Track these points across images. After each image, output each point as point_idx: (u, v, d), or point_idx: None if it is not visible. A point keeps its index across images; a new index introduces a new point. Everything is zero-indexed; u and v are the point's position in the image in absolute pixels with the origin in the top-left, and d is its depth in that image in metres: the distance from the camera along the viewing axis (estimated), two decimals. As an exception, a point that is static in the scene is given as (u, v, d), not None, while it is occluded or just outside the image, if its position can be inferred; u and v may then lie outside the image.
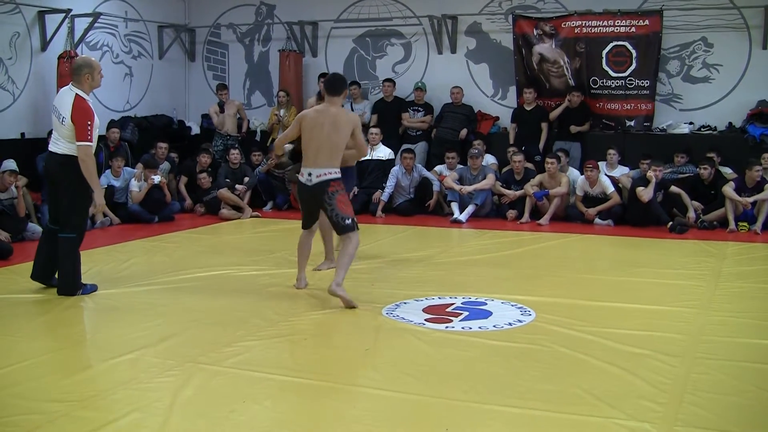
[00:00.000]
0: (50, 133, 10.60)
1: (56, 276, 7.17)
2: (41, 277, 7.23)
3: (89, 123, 6.77)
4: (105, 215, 10.95)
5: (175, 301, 6.93)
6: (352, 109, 13.80)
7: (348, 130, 6.94)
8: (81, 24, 12.87)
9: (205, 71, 15.68)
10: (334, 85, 7.03)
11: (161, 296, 7.09)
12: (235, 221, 11.79)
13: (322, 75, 13.72)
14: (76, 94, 6.83)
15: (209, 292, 7.24)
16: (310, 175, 6.84)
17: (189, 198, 12.64)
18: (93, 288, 7.16)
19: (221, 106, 13.93)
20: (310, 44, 14.77)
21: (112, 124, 12.95)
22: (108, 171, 11.61)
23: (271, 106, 14.60)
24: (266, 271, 8.12)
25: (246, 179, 12.47)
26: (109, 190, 11.31)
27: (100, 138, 12.35)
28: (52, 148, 7.02)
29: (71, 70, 7.07)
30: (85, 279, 7.28)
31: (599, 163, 11.69)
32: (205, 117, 14.89)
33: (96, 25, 13.12)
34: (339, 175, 6.86)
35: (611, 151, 12.09)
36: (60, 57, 12.12)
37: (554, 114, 12.76)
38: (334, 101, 7.00)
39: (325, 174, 6.80)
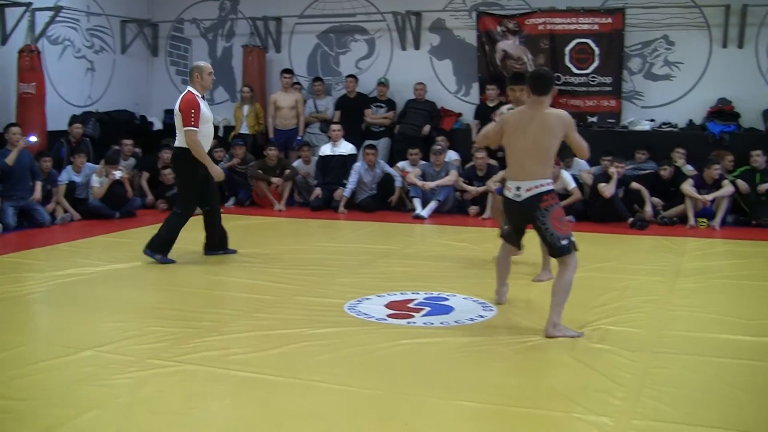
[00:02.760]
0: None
1: (226, 245, 8.59)
2: (216, 248, 8.57)
3: (193, 111, 7.85)
4: (66, 211, 10.89)
5: (136, 297, 6.90)
6: (315, 106, 13.81)
7: (560, 132, 5.93)
8: (42, 18, 12.67)
9: (168, 66, 15.57)
10: (537, 83, 6.01)
11: (122, 292, 7.04)
12: (197, 216, 11.67)
13: (285, 71, 13.71)
14: (188, 89, 8.02)
15: (171, 288, 7.21)
16: (518, 189, 5.93)
17: (151, 194, 12.54)
18: (170, 261, 8.12)
19: None
20: (273, 40, 14.71)
21: (74, 119, 12.80)
22: (69, 167, 11.46)
23: (234, 102, 14.53)
24: (228, 267, 8.10)
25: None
26: (70, 186, 11.21)
27: (63, 133, 12.27)
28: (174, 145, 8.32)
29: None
30: (45, 277, 7.27)
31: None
32: (168, 112, 14.76)
33: (57, 19, 12.92)
34: (552, 187, 5.95)
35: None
36: (20, 51, 11.95)
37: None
38: (541, 101, 5.98)
39: (537, 186, 5.89)
